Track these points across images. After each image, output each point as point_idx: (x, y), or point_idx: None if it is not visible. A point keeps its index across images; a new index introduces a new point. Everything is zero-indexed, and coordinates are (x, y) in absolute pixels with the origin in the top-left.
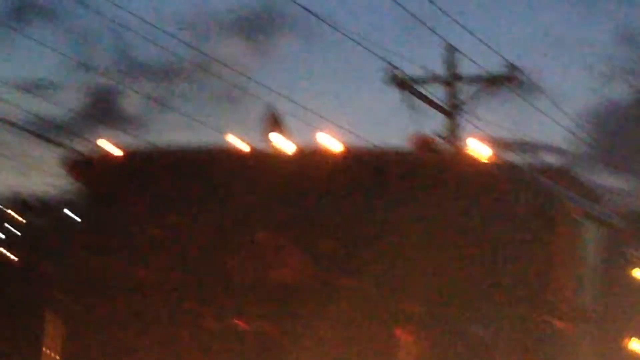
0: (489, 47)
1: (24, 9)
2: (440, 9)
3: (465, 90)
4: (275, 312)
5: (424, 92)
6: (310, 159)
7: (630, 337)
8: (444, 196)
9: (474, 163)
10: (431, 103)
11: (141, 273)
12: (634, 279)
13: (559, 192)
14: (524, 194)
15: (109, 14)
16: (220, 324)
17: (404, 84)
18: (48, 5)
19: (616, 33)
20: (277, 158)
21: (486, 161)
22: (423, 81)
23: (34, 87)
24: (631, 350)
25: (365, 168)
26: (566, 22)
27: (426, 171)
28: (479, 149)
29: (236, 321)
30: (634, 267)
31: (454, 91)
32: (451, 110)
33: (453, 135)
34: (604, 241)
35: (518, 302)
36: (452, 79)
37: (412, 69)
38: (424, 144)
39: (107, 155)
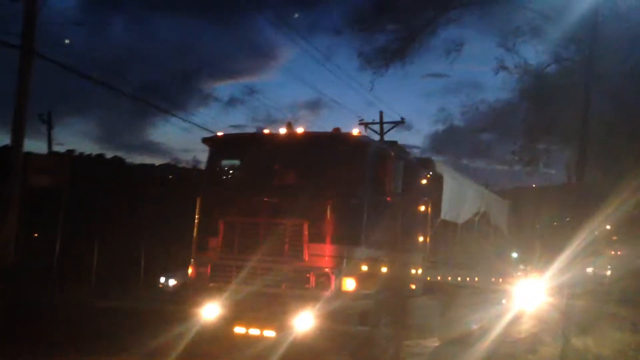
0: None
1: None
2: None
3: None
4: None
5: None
6: (286, 137)
7: (418, 206)
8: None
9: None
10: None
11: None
12: (419, 183)
13: (388, 148)
14: (372, 150)
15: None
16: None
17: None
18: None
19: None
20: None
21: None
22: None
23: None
24: (419, 211)
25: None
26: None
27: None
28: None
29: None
30: (419, 178)
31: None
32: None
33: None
34: (407, 168)
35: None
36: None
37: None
38: (337, 131)
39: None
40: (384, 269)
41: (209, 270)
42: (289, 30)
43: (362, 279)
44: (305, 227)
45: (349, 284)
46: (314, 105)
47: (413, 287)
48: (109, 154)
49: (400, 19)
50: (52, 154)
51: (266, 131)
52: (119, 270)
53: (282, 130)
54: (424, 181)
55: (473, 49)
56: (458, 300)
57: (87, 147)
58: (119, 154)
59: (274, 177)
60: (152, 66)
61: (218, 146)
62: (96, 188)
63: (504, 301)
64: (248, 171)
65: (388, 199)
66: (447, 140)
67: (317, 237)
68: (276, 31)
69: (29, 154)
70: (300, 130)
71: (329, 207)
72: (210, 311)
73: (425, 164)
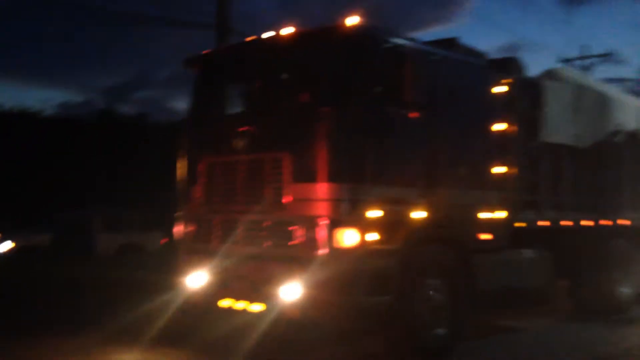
0: None
1: None
2: None
3: None
4: None
5: None
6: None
7: (486, 124)
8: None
9: None
10: None
11: None
12: (487, 93)
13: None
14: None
15: None
16: None
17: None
18: None
19: None
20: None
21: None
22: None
23: None
24: (491, 132)
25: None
26: None
27: None
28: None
29: None
30: (484, 86)
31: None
32: None
33: None
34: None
35: None
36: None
37: None
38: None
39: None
40: (419, 214)
41: (192, 226)
42: None
43: (373, 229)
44: (286, 160)
45: (349, 237)
46: (511, 50)
47: (487, 237)
48: None
49: None
50: None
51: (250, 38)
52: None
53: (268, 34)
54: (498, 89)
55: None
56: (589, 253)
57: None
58: None
59: (255, 97)
60: None
61: (201, 68)
62: None
63: None
64: (231, 94)
65: (412, 115)
66: None
67: (303, 175)
68: None
69: None
70: (286, 30)
71: (315, 130)
72: (195, 280)
73: (502, 66)
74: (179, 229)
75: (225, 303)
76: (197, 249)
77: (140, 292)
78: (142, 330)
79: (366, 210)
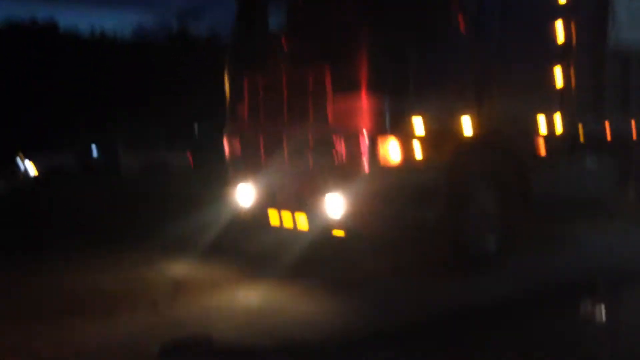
0: None
1: None
2: None
3: None
4: None
5: None
6: None
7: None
8: None
9: None
10: None
11: None
12: None
13: None
14: None
15: None
16: None
17: None
18: None
19: None
20: None
21: None
22: None
23: None
24: (545, 37)
25: None
26: None
27: None
28: None
29: None
30: None
31: None
32: None
33: None
34: None
35: None
36: None
37: None
38: None
39: None
40: (469, 121)
41: (239, 142)
42: None
43: (419, 141)
44: (327, 72)
45: (393, 149)
46: None
47: (544, 145)
48: None
49: None
50: None
51: None
52: None
53: None
54: None
55: None
56: None
57: None
58: None
59: (297, 9)
60: None
61: None
62: None
63: None
64: (274, 9)
65: (461, 21)
66: None
67: (346, 87)
68: None
69: None
70: None
71: (357, 40)
72: (242, 195)
73: None
74: (226, 146)
75: (272, 218)
76: (243, 166)
77: (185, 207)
78: (191, 243)
79: (412, 121)
